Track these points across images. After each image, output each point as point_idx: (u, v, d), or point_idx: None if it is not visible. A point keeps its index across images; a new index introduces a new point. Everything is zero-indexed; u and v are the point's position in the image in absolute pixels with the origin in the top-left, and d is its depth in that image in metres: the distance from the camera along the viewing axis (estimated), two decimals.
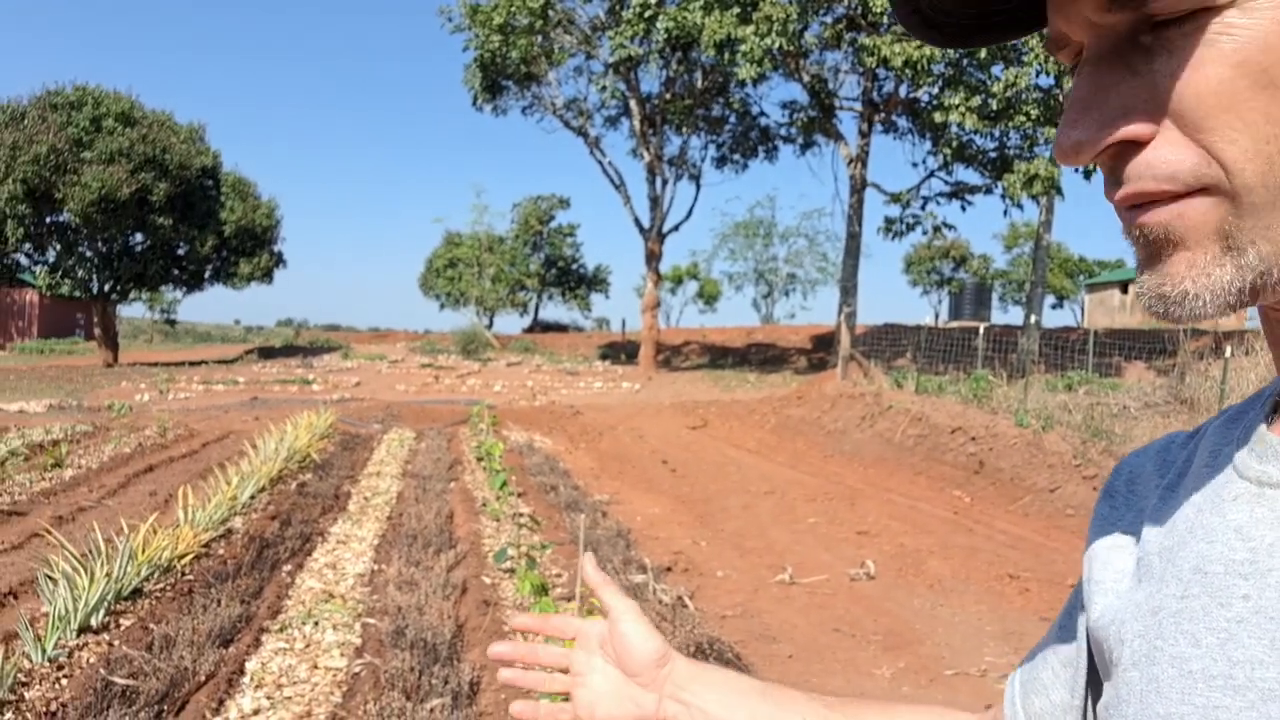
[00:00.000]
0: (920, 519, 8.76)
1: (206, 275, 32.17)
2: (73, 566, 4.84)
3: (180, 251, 30.67)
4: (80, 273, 29.61)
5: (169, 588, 5.42)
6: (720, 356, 30.96)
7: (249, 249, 31.79)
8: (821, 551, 7.49)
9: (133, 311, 51.35)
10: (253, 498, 8.04)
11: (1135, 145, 0.46)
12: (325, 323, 74.37)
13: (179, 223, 29.00)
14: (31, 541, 6.59)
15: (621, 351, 33.36)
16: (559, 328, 52.63)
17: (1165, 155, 0.45)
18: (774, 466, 11.84)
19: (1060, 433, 10.55)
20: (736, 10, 19.97)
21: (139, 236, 29.79)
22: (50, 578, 4.76)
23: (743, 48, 19.47)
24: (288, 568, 6.18)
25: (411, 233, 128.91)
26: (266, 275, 32.55)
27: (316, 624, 4.96)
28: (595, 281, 55.42)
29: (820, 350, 29.93)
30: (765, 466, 11.81)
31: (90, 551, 5.23)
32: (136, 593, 5.18)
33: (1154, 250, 0.47)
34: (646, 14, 21.62)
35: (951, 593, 6.40)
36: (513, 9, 23.34)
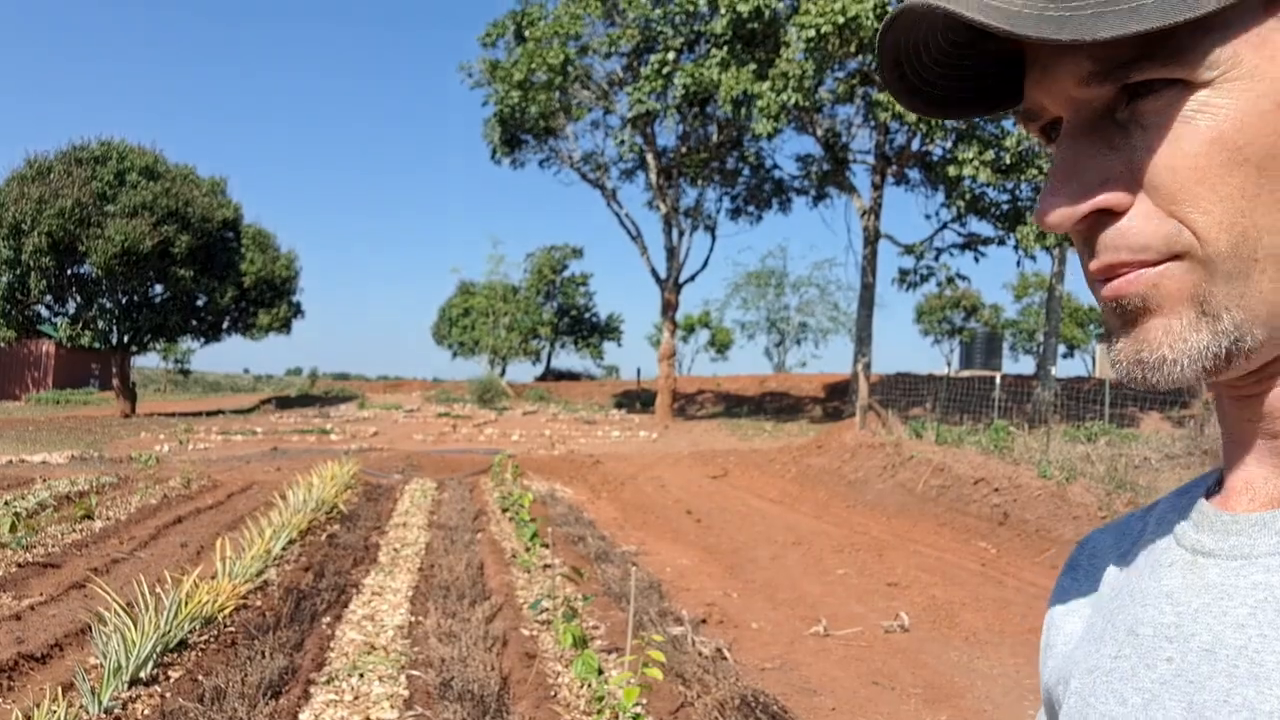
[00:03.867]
0: (949, 570, 8.76)
1: (225, 326, 32.49)
2: (119, 619, 4.90)
3: (200, 303, 31.00)
4: (100, 324, 29.92)
5: (212, 639, 5.48)
6: (735, 405, 31.00)
7: (268, 300, 32.13)
8: (853, 603, 7.49)
9: (145, 361, 51.72)
10: (284, 549, 8.10)
11: (1110, 216, 0.49)
12: (335, 371, 74.54)
13: (200, 274, 29.37)
14: (69, 594, 6.66)
15: (636, 400, 33.42)
16: (571, 376, 52.73)
17: (1139, 225, 0.48)
18: (798, 517, 11.84)
19: (1084, 484, 10.56)
20: (753, 67, 20.34)
21: (159, 288, 30.16)
22: (102, 630, 4.81)
23: (759, 103, 19.80)
24: (326, 620, 6.22)
25: (423, 282, 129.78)
26: (285, 326, 32.85)
27: (362, 676, 5.00)
28: (608, 330, 55.68)
29: (834, 399, 29.94)
30: (789, 517, 11.81)
31: (135, 603, 5.29)
32: (182, 644, 5.23)
33: (1130, 318, 0.50)
34: (664, 70, 22.03)
35: (987, 645, 6.40)
36: (532, 66, 23.81)
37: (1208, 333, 0.48)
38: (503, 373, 45.75)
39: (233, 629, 5.68)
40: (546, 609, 6.32)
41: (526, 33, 25.11)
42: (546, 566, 8.01)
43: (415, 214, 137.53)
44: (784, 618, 7.03)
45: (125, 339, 30.58)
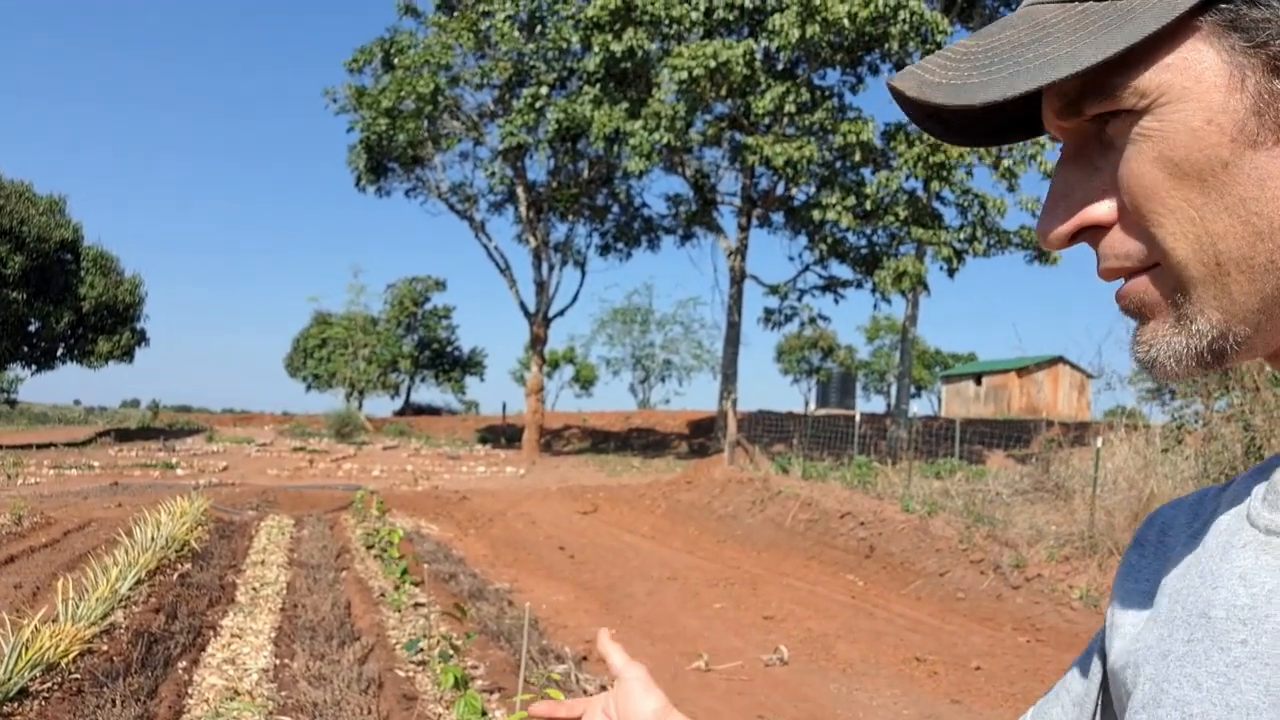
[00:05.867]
0: (821, 603, 8.90)
1: (59, 353, 30.40)
2: None
3: (32, 328, 28.94)
4: None
5: (56, 687, 5.02)
6: (602, 441, 30.98)
7: (109, 326, 30.27)
8: (732, 637, 7.50)
9: None
10: (132, 590, 7.54)
11: (1103, 229, 0.54)
12: (177, 404, 70.82)
13: (33, 298, 27.45)
14: None
15: (501, 435, 32.99)
16: (432, 410, 51.74)
17: (1120, 237, 0.53)
18: (671, 552, 11.85)
19: (945, 518, 10.95)
20: (625, 105, 20.59)
21: None
22: None
23: (631, 141, 20.04)
24: (182, 664, 5.81)
25: (277, 312, 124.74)
26: (127, 354, 30.99)
27: None
28: (470, 364, 54.96)
29: (699, 435, 30.30)
30: (662, 552, 11.80)
31: None
32: (23, 693, 4.78)
33: (1135, 318, 0.55)
34: (537, 104, 22.05)
35: (864, 676, 6.50)
36: (401, 94, 23.43)
37: (1184, 336, 0.52)
38: (360, 406, 44.43)
39: (78, 675, 5.22)
40: (422, 649, 6.07)
41: (395, 60, 24.73)
42: (418, 605, 7.73)
43: (271, 241, 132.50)
44: (664, 653, 6.98)
45: None
